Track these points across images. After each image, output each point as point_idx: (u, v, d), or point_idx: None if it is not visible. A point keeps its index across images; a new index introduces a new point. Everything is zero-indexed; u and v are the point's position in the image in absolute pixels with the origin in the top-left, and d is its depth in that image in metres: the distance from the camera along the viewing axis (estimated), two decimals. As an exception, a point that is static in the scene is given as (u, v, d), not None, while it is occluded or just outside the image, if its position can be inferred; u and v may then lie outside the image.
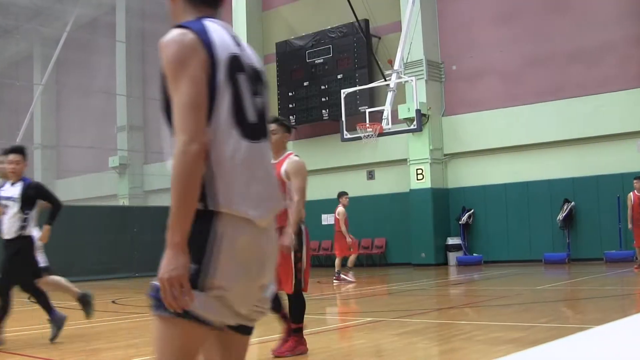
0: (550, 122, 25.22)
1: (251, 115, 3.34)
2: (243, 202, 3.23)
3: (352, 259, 20.40)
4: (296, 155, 8.52)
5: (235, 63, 3.36)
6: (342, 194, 20.94)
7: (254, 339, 6.66)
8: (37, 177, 41.78)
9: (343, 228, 19.96)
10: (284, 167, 8.19)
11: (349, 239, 19.87)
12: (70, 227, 26.71)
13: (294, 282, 7.85)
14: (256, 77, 3.48)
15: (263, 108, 3.46)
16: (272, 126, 7.51)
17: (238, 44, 3.51)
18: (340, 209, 20.22)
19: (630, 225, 19.70)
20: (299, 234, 8.14)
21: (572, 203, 24.70)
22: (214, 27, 3.39)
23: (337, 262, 20.21)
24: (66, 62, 39.41)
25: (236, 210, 3.21)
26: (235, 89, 3.30)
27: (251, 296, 3.32)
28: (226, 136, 3.23)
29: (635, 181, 19.74)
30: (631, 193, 19.88)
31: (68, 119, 42.93)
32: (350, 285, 18.88)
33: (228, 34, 3.45)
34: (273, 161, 7.14)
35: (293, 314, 7.94)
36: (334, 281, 19.68)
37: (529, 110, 25.78)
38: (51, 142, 43.15)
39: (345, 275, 19.86)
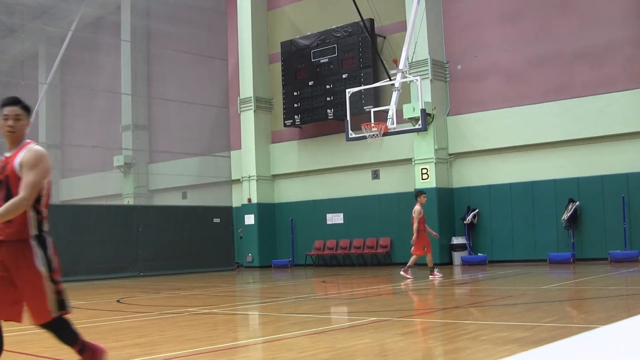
0: (555, 122, 25.23)
1: None
2: None
3: (429, 258, 20.42)
4: (37, 145, 6.30)
5: None
6: (419, 192, 20.82)
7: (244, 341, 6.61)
8: (42, 176, 41.70)
9: (415, 226, 19.94)
10: (18, 159, 6.05)
11: (413, 239, 19.97)
12: (75, 226, 26.81)
13: (52, 306, 6.25)
14: None
15: None
16: (16, 110, 6.10)
17: None
18: (416, 207, 20.13)
19: None
20: (42, 245, 6.39)
21: (577, 203, 24.69)
22: None
23: (412, 258, 20.30)
24: (71, 61, 39.40)
25: None
26: None
27: None
28: None
29: None
30: None
31: (73, 118, 42.94)
32: (408, 281, 19.14)
33: None
34: (7, 154, 6.11)
35: (67, 340, 6.66)
36: (430, 276, 19.84)
37: (534, 110, 25.79)
38: (56, 141, 43.13)
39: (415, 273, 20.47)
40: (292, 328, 9.97)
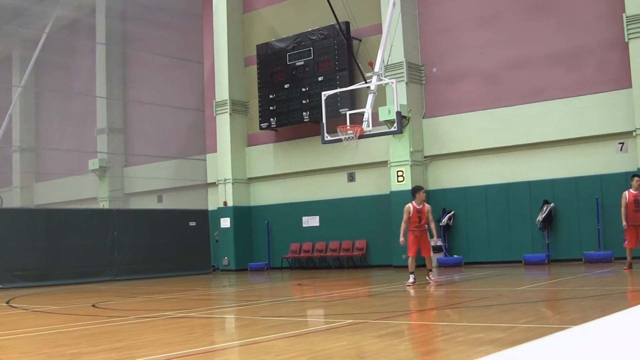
0: (531, 124, 25.40)
1: None
2: None
3: (410, 262, 18.62)
4: None
5: None
6: (417, 188, 18.78)
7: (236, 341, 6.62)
8: (16, 180, 41.62)
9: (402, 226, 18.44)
10: None
11: (401, 239, 18.48)
12: (50, 231, 26.66)
13: None
14: None
15: None
16: None
17: None
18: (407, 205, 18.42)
19: (625, 223, 19.17)
20: None
21: (552, 204, 24.85)
22: None
23: (426, 261, 19.09)
24: (46, 64, 39.15)
25: None
26: None
27: None
28: None
29: (635, 179, 19.41)
30: (627, 191, 19.47)
31: (47, 121, 42.66)
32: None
33: None
34: None
35: None
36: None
37: (509, 112, 25.93)
38: (30, 145, 42.84)
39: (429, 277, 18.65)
40: (269, 331, 9.96)
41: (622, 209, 19.29)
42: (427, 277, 18.52)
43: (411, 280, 17.93)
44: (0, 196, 39.85)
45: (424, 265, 19.35)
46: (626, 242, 19.50)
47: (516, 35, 26.14)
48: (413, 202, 18.32)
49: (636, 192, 19.30)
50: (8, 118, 38.44)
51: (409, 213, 18.19)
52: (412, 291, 16.41)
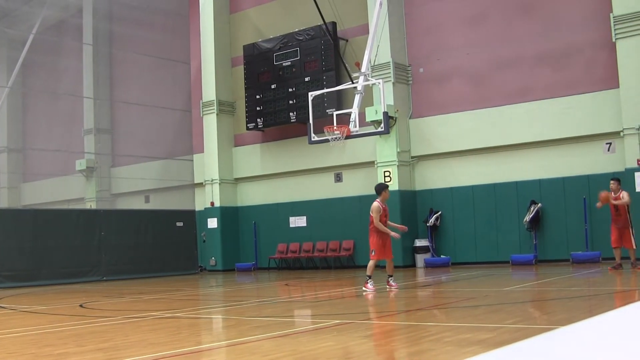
0: (518, 124, 25.44)
1: None
2: None
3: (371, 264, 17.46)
4: None
5: None
6: (383, 186, 17.80)
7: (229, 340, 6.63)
8: (3, 180, 41.49)
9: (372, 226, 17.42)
10: None
11: (393, 234, 17.45)
12: (37, 231, 26.60)
13: None
14: None
15: None
16: None
17: None
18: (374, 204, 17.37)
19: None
20: None
21: (539, 205, 24.89)
22: None
23: (387, 266, 17.63)
24: (33, 65, 39.05)
25: None
26: None
27: None
28: None
29: (612, 182, 20.05)
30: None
31: (35, 121, 42.55)
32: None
33: None
34: None
35: None
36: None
37: (496, 113, 25.97)
38: (17, 145, 42.74)
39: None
40: (255, 331, 9.95)
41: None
42: (387, 284, 17.07)
43: (371, 285, 16.69)
44: (-13, 197, 39.77)
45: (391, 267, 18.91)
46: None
47: (503, 35, 26.19)
48: (378, 200, 17.24)
49: (614, 196, 19.79)
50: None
51: (379, 212, 17.10)
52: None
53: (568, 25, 24.85)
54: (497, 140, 25.98)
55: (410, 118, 27.93)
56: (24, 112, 43.49)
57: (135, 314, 13.46)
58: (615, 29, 23.22)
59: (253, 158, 32.67)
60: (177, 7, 35.41)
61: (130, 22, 36.45)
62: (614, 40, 23.32)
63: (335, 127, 23.62)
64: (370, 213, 17.28)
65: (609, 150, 23.98)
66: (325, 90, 26.67)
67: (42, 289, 23.55)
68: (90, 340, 9.70)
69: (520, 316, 10.80)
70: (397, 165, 27.13)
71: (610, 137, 23.89)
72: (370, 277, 16.92)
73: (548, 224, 25.03)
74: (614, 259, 20.18)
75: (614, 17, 23.25)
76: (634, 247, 19.91)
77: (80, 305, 15.91)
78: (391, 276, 17.26)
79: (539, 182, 25.23)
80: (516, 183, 25.65)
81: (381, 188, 17.48)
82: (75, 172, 37.49)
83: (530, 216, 24.83)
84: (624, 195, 19.84)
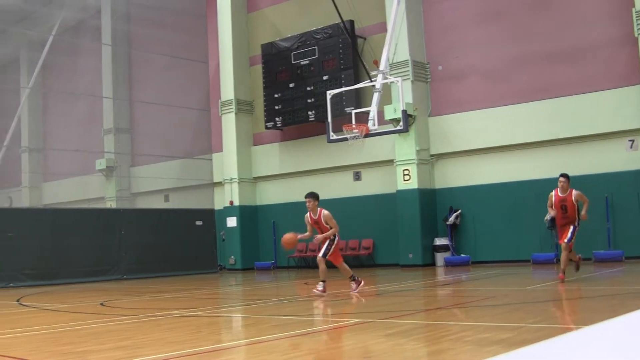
0: (537, 122, 25.28)
1: None
2: None
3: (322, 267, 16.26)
4: None
5: None
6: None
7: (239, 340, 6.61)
8: (25, 180, 41.74)
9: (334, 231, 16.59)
10: None
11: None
12: (58, 230, 26.73)
13: None
14: None
15: None
16: None
17: None
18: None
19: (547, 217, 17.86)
20: None
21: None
22: None
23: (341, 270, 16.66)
24: (52, 65, 39.25)
25: None
26: None
27: None
28: None
29: (561, 179, 17.26)
30: (553, 192, 17.62)
31: (55, 122, 42.76)
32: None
33: None
34: None
35: None
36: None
37: (515, 110, 25.83)
38: (38, 145, 42.97)
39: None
40: (275, 330, 9.94)
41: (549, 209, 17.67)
42: (351, 291, 16.18)
43: (321, 287, 15.76)
44: (9, 196, 40.05)
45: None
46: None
47: (521, 32, 26.03)
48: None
49: (563, 195, 17.26)
50: (16, 119, 38.65)
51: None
52: (419, 289, 16.28)
53: (586, 21, 24.67)
54: (517, 138, 25.83)
55: (429, 116, 27.84)
56: (44, 113, 43.74)
57: (155, 313, 13.48)
58: (637, 24, 22.95)
59: (272, 157, 32.66)
60: (195, 7, 35.47)
61: (148, 23, 36.56)
62: (636, 35, 23.09)
63: (354, 126, 23.58)
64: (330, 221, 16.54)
65: (631, 147, 23.79)
66: (344, 88, 26.61)
67: (62, 288, 23.64)
68: (110, 338, 9.72)
69: (541, 315, 10.73)
70: (416, 164, 27.04)
71: (632, 134, 23.69)
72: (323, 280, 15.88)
73: (569, 223, 24.82)
74: (638, 257, 19.89)
75: (636, 12, 23.02)
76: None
77: (101, 304, 15.96)
78: (353, 278, 16.34)
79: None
80: (537, 181, 25.44)
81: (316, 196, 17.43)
82: (95, 171, 37.67)
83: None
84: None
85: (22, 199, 41.82)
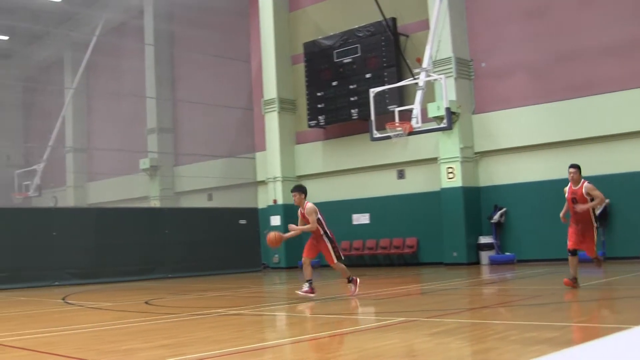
0: (583, 118, 24.99)
1: None
2: None
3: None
4: None
5: None
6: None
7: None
8: (69, 180, 42.22)
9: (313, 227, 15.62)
10: None
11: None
12: (102, 229, 26.96)
13: None
14: None
15: None
16: None
17: None
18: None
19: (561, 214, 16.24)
20: None
21: (607, 200, 24.41)
22: None
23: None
24: (96, 66, 39.68)
25: None
26: None
27: None
28: None
29: (571, 170, 15.90)
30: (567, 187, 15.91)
31: (98, 122, 43.22)
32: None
33: None
34: None
35: None
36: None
37: (560, 107, 25.57)
38: (82, 145, 43.45)
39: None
40: (320, 329, 9.93)
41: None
42: (302, 292, 15.21)
43: (306, 288, 15.17)
44: (54, 196, 40.53)
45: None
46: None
47: (565, 27, 25.76)
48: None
49: (574, 188, 15.71)
50: (61, 120, 39.16)
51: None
52: (464, 287, 16.18)
53: (631, 15, 24.31)
54: (562, 135, 25.57)
55: (473, 113, 27.68)
56: (88, 113, 44.23)
57: (199, 311, 13.53)
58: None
59: (315, 155, 32.68)
60: (237, 7, 35.61)
61: (191, 22, 36.81)
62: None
63: (397, 124, 23.50)
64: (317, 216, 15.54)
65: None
66: (387, 86, 26.53)
67: (107, 286, 23.83)
68: (154, 337, 9.77)
69: (588, 315, 10.63)
70: (460, 162, 26.91)
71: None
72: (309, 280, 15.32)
73: (617, 221, 24.54)
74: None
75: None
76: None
77: (145, 302, 16.06)
78: (309, 281, 15.37)
79: (607, 178, 24.64)
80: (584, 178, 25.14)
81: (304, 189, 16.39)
82: (139, 171, 37.99)
83: (598, 212, 24.41)
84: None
85: (67, 199, 42.33)
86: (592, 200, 15.20)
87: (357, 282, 15.65)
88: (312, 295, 14.94)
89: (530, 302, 12.72)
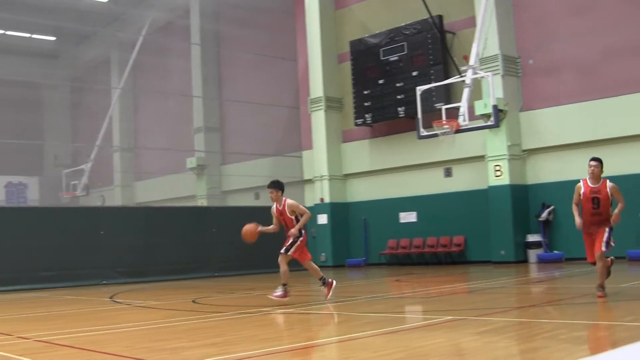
0: (631, 115, 24.69)
1: None
2: None
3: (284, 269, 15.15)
4: None
5: None
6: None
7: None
8: (117, 179, 42.60)
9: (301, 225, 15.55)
10: None
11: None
12: (150, 228, 27.12)
13: None
14: None
15: None
16: None
17: None
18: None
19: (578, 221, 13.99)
20: None
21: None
22: None
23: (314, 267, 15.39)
24: (142, 66, 39.97)
25: None
26: None
27: None
28: None
29: (592, 163, 13.85)
30: (581, 181, 13.99)
31: (145, 121, 43.57)
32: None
33: None
34: None
35: None
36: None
37: (608, 104, 25.27)
38: (130, 145, 43.82)
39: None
40: (366, 327, 9.91)
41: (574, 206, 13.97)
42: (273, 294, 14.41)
43: (280, 292, 14.37)
44: (102, 195, 40.91)
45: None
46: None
47: (613, 23, 25.45)
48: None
49: (595, 186, 13.66)
50: (108, 119, 39.51)
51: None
52: (510, 286, 16.05)
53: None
54: (610, 132, 25.26)
55: (520, 111, 27.46)
56: (135, 112, 44.62)
57: (246, 310, 13.58)
58: None
59: (362, 154, 32.65)
60: (283, 5, 35.68)
61: (237, 22, 36.95)
62: None
63: (444, 122, 23.42)
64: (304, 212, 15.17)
65: None
66: (434, 84, 26.45)
67: (154, 285, 23.98)
68: (202, 335, 9.81)
69: (638, 314, 10.48)
70: (508, 159, 26.72)
71: None
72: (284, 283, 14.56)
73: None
74: None
75: None
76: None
77: (193, 301, 16.15)
78: (284, 284, 14.63)
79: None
80: (632, 176, 24.85)
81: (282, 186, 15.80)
82: (186, 170, 38.22)
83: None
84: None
85: (115, 198, 42.72)
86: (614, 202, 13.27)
87: (285, 293, 14.37)
88: (286, 299, 14.15)
89: (579, 301, 12.59)
